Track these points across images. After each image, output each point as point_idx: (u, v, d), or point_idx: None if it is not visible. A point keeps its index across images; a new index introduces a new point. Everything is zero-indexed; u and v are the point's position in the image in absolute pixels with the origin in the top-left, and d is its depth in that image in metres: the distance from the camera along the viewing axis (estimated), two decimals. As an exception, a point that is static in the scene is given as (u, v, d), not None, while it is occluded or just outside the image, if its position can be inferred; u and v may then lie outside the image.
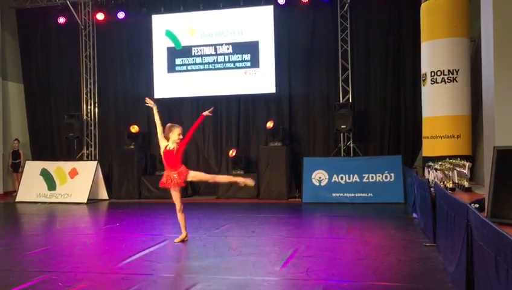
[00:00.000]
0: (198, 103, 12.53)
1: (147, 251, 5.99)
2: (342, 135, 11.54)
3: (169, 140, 6.50)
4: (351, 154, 11.47)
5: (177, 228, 8.05)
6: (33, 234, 8.00)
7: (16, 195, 11.92)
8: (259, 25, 11.93)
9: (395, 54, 11.50)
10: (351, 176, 10.42)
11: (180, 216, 6.66)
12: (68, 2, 12.64)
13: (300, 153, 11.65)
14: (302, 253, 5.75)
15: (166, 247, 6.35)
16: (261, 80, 11.89)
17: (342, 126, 11.06)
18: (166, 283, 4.74)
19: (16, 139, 13.05)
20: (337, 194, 10.38)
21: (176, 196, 6.60)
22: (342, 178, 10.47)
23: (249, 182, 6.64)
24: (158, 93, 12.61)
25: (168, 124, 6.70)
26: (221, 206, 10.49)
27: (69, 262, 5.62)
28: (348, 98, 11.67)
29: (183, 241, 6.58)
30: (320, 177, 10.59)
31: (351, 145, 11.58)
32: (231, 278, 4.73)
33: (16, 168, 12.75)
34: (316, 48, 11.93)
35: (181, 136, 6.51)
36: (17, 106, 13.83)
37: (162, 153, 6.61)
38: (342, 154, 11.53)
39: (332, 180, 10.51)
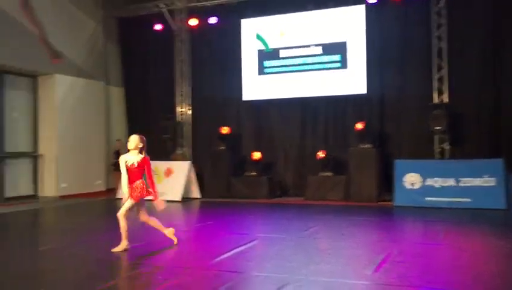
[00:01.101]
0: (287, 104, 12.64)
1: (238, 250, 6.14)
2: (436, 136, 11.04)
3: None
4: (446, 157, 10.94)
5: (268, 227, 8.20)
6: (132, 229, 8.49)
7: (117, 192, 12.72)
8: (348, 25, 11.78)
9: (495, 52, 10.80)
10: (447, 179, 9.94)
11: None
12: (164, 10, 13.31)
13: (391, 155, 11.30)
14: (394, 258, 5.59)
15: (256, 246, 6.46)
16: (350, 81, 11.72)
17: (437, 127, 10.58)
18: (258, 281, 4.83)
19: (118, 140, 13.96)
20: (431, 198, 9.96)
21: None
22: (436, 182, 10.02)
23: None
24: (247, 96, 12.90)
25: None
26: (309, 207, 10.47)
27: (166, 257, 5.93)
28: (443, 98, 11.15)
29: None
30: (412, 181, 10.21)
31: (446, 147, 11.04)
32: (322, 280, 4.72)
33: (118, 167, 13.59)
34: (409, 46, 11.53)
35: (129, 145, 6.29)
36: (118, 109, 14.81)
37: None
38: (436, 157, 11.03)
39: (426, 184, 10.09)
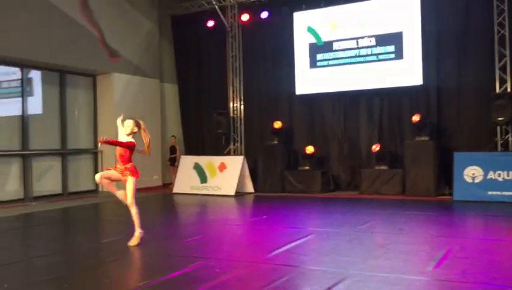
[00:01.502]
0: (340, 97, 12.49)
1: (293, 244, 6.13)
2: (498, 128, 10.57)
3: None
4: (510, 149, 10.45)
5: (322, 222, 8.15)
6: (189, 223, 8.70)
7: (173, 187, 13.04)
8: (403, 15, 11.45)
9: None
10: (511, 172, 9.50)
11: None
12: (216, 7, 13.45)
13: (450, 147, 10.91)
14: (456, 254, 5.41)
15: (312, 240, 6.43)
16: (405, 72, 11.41)
17: (499, 118, 10.12)
18: (314, 275, 4.80)
19: (173, 136, 14.28)
20: (494, 193, 9.54)
21: None
22: (499, 175, 9.59)
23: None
24: (299, 90, 12.83)
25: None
26: (364, 201, 10.31)
27: (223, 250, 6.02)
28: (506, 87, 10.64)
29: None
30: (473, 174, 9.83)
31: (510, 139, 10.54)
32: (380, 276, 4.64)
33: (173, 162, 13.96)
34: (468, 35, 11.07)
35: (126, 129, 6.33)
36: (173, 105, 15.15)
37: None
38: (499, 149, 10.55)
39: (488, 177, 9.68)
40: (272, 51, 13.45)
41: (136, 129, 6.30)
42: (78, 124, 12.91)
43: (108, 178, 6.21)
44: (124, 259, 5.62)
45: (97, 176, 6.25)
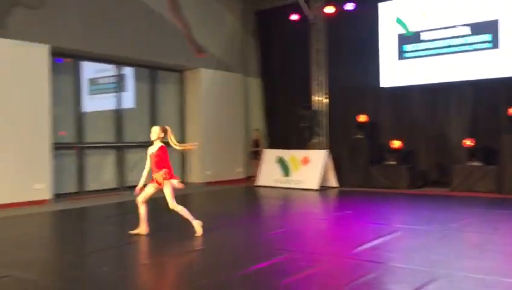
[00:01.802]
0: (429, 90, 11.95)
1: (379, 240, 5.99)
2: None
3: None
4: None
5: (410, 218, 7.88)
6: (273, 216, 8.78)
7: (256, 180, 13.22)
8: (499, 2, 10.71)
9: None
10: None
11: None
12: (300, 0, 13.39)
13: (553, 143, 10.08)
14: (561, 258, 5.00)
15: (399, 238, 6.24)
16: (502, 62, 10.67)
17: None
18: (402, 273, 4.66)
19: (257, 129, 14.47)
20: None
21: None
22: None
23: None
24: (385, 82, 12.46)
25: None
26: (455, 199, 9.82)
27: (307, 244, 6.02)
28: None
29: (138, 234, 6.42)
30: None
31: None
32: (475, 277, 4.40)
33: (256, 156, 14.15)
34: None
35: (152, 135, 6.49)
36: (256, 99, 15.33)
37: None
38: None
39: None
40: (357, 42, 13.13)
41: (162, 134, 6.50)
42: (167, 118, 13.46)
43: (149, 197, 6.46)
44: (211, 249, 5.78)
45: (139, 202, 6.48)
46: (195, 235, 6.30)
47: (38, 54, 9.80)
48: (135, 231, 6.47)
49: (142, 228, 6.47)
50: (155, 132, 6.48)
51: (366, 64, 12.83)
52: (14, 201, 9.26)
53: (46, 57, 9.94)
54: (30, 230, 7.28)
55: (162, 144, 6.45)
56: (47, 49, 9.94)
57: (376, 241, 5.92)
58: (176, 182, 6.38)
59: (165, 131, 6.54)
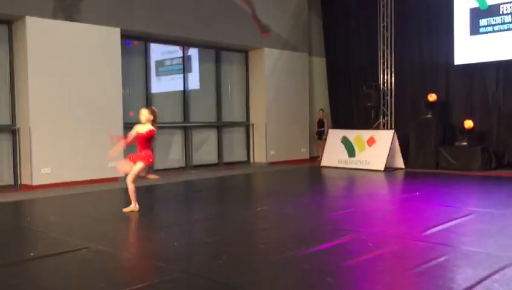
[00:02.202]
0: (507, 67, 11.27)
1: (451, 223, 5.78)
2: None
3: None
4: None
5: (483, 202, 7.54)
6: (338, 196, 8.70)
7: (320, 160, 13.13)
8: None
9: None
10: None
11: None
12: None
13: None
14: None
15: (472, 221, 5.99)
16: None
17: None
18: (477, 258, 4.47)
19: (321, 109, 14.31)
20: None
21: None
22: None
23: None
24: (458, 59, 11.89)
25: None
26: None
27: (374, 225, 5.92)
28: None
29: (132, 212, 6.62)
30: None
31: None
32: (558, 264, 4.14)
33: (320, 136, 14.02)
34: None
35: (141, 117, 6.65)
36: (320, 79, 15.14)
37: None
38: None
39: None
40: (427, 19, 12.60)
41: (151, 117, 6.65)
42: (232, 98, 13.60)
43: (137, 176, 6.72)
44: (278, 227, 5.83)
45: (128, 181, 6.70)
46: (123, 209, 6.65)
47: (110, 37, 10.17)
48: (128, 209, 6.67)
49: (133, 206, 6.71)
50: (144, 114, 6.67)
51: (438, 41, 12.31)
52: (91, 178, 9.78)
53: (117, 40, 10.30)
54: (105, 205, 7.66)
55: (152, 128, 6.66)
56: (118, 32, 10.29)
57: (447, 224, 5.72)
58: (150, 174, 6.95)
59: (154, 114, 6.73)
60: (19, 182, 9.33)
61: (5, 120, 9.39)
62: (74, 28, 9.63)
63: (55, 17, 9.38)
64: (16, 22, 9.29)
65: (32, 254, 4.75)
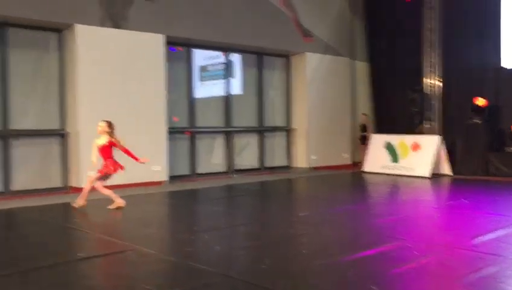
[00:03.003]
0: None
1: (501, 232, 5.56)
2: None
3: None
4: None
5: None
6: (382, 202, 8.54)
7: (363, 165, 12.93)
8: None
9: None
10: None
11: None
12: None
13: None
14: None
15: (525, 230, 5.74)
16: None
17: None
18: (530, 269, 4.29)
19: (364, 114, 14.12)
20: None
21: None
22: None
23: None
24: (506, 63, 11.46)
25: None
26: None
27: (420, 232, 5.77)
28: None
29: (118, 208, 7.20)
30: None
31: None
32: None
33: (363, 141, 13.82)
34: None
35: (98, 128, 7.23)
36: (364, 83, 14.93)
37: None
38: None
39: None
40: (475, 21, 12.21)
41: (108, 129, 7.21)
42: (274, 103, 13.60)
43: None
44: (320, 233, 5.77)
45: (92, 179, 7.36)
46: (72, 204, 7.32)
47: (154, 44, 10.39)
48: (113, 206, 7.24)
49: (119, 201, 7.26)
50: (101, 126, 7.20)
51: (487, 43, 11.91)
52: (135, 181, 9.99)
53: (161, 46, 10.51)
54: (150, 208, 7.81)
55: (110, 139, 7.20)
56: (163, 38, 10.50)
57: (497, 233, 5.51)
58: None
59: (110, 126, 7.25)
60: (67, 185, 9.65)
61: (55, 125, 9.74)
62: (121, 35, 9.90)
63: (102, 24, 9.68)
64: (65, 30, 9.64)
65: (79, 255, 4.89)
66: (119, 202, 7.30)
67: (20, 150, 9.28)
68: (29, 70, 9.46)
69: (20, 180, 9.24)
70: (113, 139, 7.23)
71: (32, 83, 9.50)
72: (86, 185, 7.42)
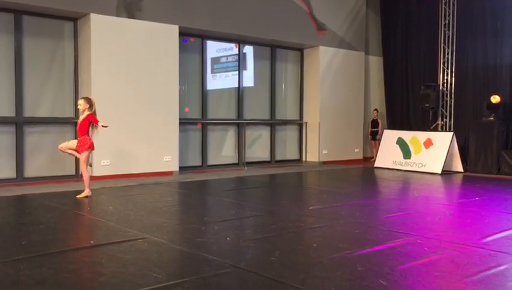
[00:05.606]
0: None
1: (513, 231, 5.52)
2: None
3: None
4: None
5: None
6: (393, 198, 8.51)
7: (374, 161, 12.88)
8: None
9: None
10: None
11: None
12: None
13: None
14: None
15: (537, 230, 5.69)
16: None
17: None
18: (542, 269, 4.25)
19: (375, 109, 14.05)
20: None
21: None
22: None
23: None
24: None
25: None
26: None
27: (431, 229, 5.74)
28: None
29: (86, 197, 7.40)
30: None
31: None
32: None
33: (374, 136, 13.77)
34: None
35: (79, 107, 7.42)
36: (376, 78, 14.85)
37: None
38: None
39: None
40: (492, 18, 12.09)
41: (87, 105, 7.35)
42: (286, 96, 13.59)
43: (69, 148, 7.55)
44: (330, 227, 5.78)
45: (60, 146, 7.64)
46: (77, 196, 7.47)
47: (168, 34, 10.42)
48: (81, 195, 7.46)
49: (87, 191, 7.51)
50: (81, 104, 7.41)
51: (501, 41, 11.78)
52: (147, 171, 10.08)
53: (175, 37, 10.53)
54: (161, 198, 7.86)
55: (89, 113, 7.35)
56: (176, 29, 10.52)
57: (508, 232, 5.48)
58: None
59: (89, 102, 7.41)
60: (79, 173, 9.74)
61: (69, 113, 9.82)
62: (135, 25, 9.94)
63: (118, 14, 9.72)
64: (80, 19, 9.69)
65: (92, 242, 4.95)
66: (87, 191, 7.52)
67: (33, 138, 9.39)
68: (44, 59, 9.54)
69: (34, 168, 9.36)
70: (91, 113, 7.37)
71: (46, 71, 9.59)
72: (85, 175, 7.52)
